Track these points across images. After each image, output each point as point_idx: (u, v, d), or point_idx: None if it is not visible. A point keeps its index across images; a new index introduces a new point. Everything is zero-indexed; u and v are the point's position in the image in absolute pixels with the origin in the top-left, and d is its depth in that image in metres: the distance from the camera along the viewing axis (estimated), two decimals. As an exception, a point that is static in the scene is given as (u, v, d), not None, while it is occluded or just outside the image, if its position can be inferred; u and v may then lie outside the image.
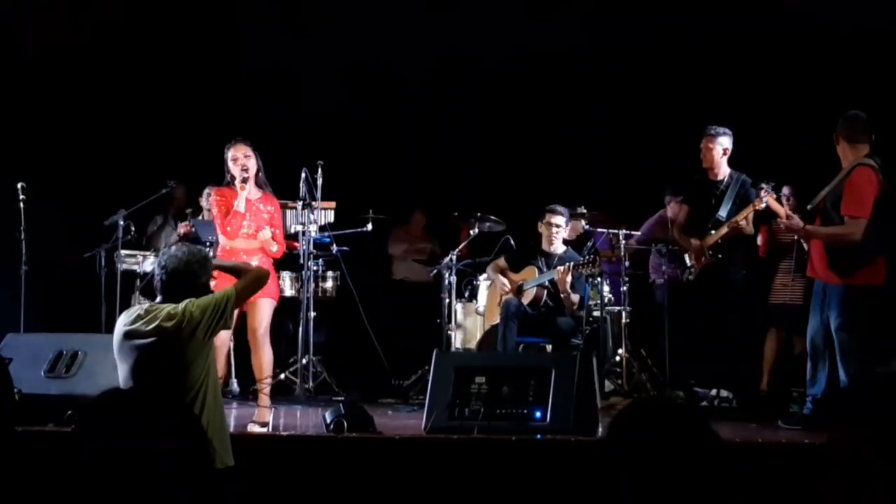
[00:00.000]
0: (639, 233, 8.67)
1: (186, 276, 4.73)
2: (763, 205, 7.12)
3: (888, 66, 8.47)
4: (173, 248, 4.90)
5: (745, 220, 7.23)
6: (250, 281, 5.08)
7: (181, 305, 4.64)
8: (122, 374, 4.71)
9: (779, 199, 7.32)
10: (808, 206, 6.59)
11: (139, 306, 4.82)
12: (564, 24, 9.44)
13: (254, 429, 6.34)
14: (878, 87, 8.24)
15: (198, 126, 9.76)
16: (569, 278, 7.86)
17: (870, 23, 8.44)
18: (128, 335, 4.66)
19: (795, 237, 7.49)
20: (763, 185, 7.03)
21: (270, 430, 6.41)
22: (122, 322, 4.73)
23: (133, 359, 4.64)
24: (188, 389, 4.57)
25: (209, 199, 9.13)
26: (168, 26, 9.78)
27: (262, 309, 6.57)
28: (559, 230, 8.19)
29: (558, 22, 9.41)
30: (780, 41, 9.03)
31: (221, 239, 6.83)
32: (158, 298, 4.79)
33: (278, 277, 7.56)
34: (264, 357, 6.60)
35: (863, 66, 8.51)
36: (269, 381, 6.60)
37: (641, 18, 9.44)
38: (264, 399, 6.56)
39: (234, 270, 5.29)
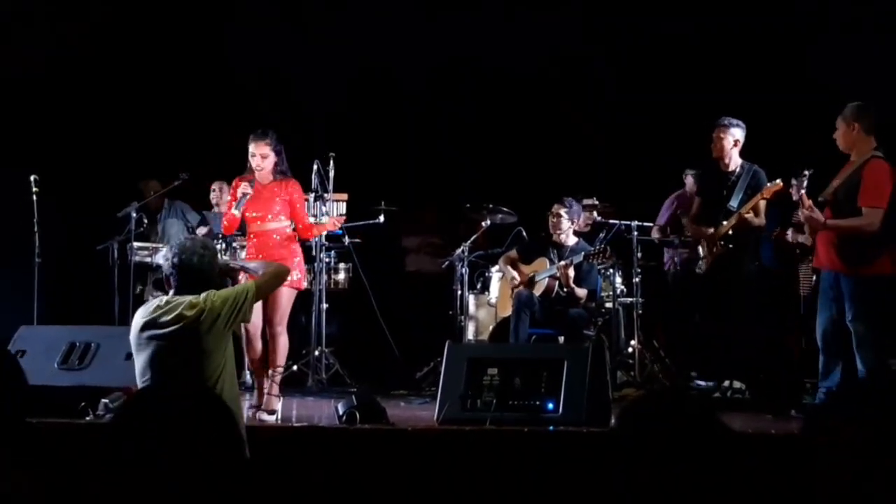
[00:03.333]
0: (657, 223, 8.60)
1: (200, 269, 4.76)
2: (769, 195, 7.13)
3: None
4: (183, 240, 4.94)
5: (751, 211, 7.22)
6: (270, 277, 5.17)
7: (202, 296, 4.68)
8: (138, 365, 4.72)
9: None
10: (819, 198, 6.56)
11: (158, 299, 4.85)
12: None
13: (262, 416, 6.38)
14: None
15: (208, 121, 9.80)
16: (571, 272, 7.87)
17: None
18: (146, 326, 4.68)
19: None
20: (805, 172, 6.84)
21: (280, 419, 6.43)
22: (140, 314, 4.75)
23: (152, 349, 4.65)
24: (206, 380, 4.59)
25: (217, 193, 9.21)
26: (178, 28, 9.79)
27: (280, 298, 6.59)
28: (560, 220, 8.19)
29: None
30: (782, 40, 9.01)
31: (250, 226, 6.90)
32: (171, 292, 4.80)
33: (308, 269, 7.56)
34: (279, 346, 6.62)
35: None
36: (280, 370, 6.62)
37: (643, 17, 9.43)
38: (274, 388, 6.58)
39: (255, 270, 5.37)
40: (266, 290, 5.25)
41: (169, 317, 4.65)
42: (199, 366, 4.62)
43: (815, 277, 6.83)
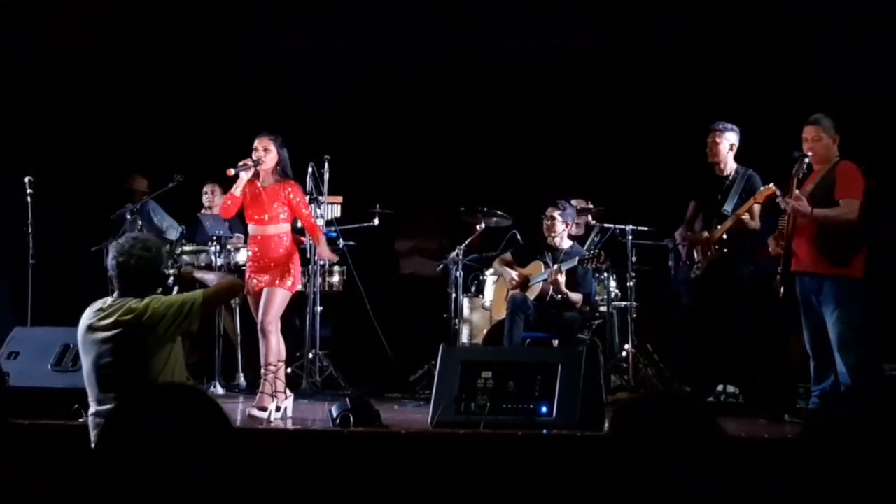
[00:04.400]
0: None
1: (139, 270, 4.65)
2: (762, 199, 7.15)
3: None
4: (123, 240, 4.78)
5: (747, 213, 7.23)
6: (220, 289, 4.98)
7: (145, 300, 4.59)
8: (84, 368, 4.66)
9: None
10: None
11: (102, 300, 4.73)
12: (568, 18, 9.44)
13: (253, 412, 6.42)
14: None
15: (204, 121, 9.79)
16: (561, 278, 7.86)
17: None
18: (88, 329, 4.62)
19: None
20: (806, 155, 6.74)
21: (272, 417, 6.45)
22: (86, 316, 4.67)
23: (94, 353, 4.59)
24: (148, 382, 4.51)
25: (210, 196, 9.22)
26: (178, 28, 9.78)
27: (269, 298, 6.61)
28: (554, 222, 8.19)
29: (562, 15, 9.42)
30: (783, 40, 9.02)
31: (251, 227, 6.96)
32: (116, 293, 4.71)
33: (303, 272, 7.56)
34: (269, 345, 6.65)
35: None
36: (272, 368, 6.63)
37: (643, 17, 9.42)
38: (266, 386, 6.59)
39: (210, 281, 5.18)
40: (214, 302, 5.08)
41: (107, 321, 4.57)
42: (138, 371, 4.52)
43: (782, 289, 6.83)
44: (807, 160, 6.66)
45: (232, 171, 6.87)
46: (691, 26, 9.20)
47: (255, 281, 6.83)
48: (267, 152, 6.89)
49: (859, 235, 6.54)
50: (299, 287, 7.16)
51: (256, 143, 6.93)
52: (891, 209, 6.71)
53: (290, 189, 6.92)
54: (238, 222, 7.84)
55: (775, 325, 8.01)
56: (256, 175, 6.94)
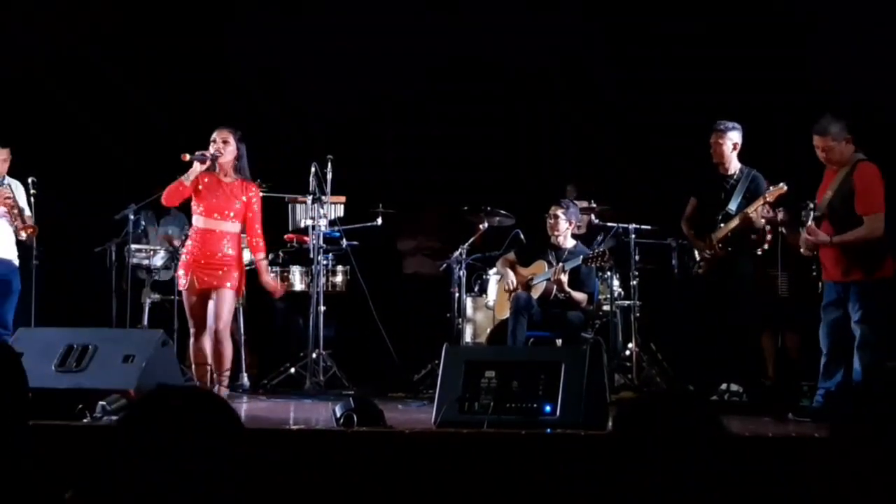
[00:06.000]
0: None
1: None
2: (772, 199, 7.14)
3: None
4: None
5: (755, 212, 7.23)
6: None
7: None
8: None
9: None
10: (816, 213, 6.57)
11: None
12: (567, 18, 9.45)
13: None
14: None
15: (206, 121, 9.77)
16: (564, 278, 7.87)
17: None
18: None
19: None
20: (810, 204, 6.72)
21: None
22: None
23: None
24: None
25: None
26: (178, 28, 9.79)
27: (224, 300, 6.58)
28: (558, 221, 8.20)
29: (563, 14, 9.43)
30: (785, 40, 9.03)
31: (200, 220, 6.83)
32: None
33: (306, 272, 7.46)
34: (225, 350, 6.61)
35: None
36: (227, 373, 6.62)
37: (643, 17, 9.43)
38: (222, 392, 6.58)
39: None
40: None
41: None
42: None
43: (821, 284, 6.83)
44: (811, 207, 6.57)
45: (187, 157, 6.71)
46: (691, 26, 9.20)
47: (197, 278, 6.67)
48: (226, 145, 6.77)
49: (884, 241, 6.46)
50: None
51: (215, 135, 6.81)
52: (890, 209, 6.67)
53: (253, 192, 6.86)
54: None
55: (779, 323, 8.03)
56: (214, 168, 6.83)
